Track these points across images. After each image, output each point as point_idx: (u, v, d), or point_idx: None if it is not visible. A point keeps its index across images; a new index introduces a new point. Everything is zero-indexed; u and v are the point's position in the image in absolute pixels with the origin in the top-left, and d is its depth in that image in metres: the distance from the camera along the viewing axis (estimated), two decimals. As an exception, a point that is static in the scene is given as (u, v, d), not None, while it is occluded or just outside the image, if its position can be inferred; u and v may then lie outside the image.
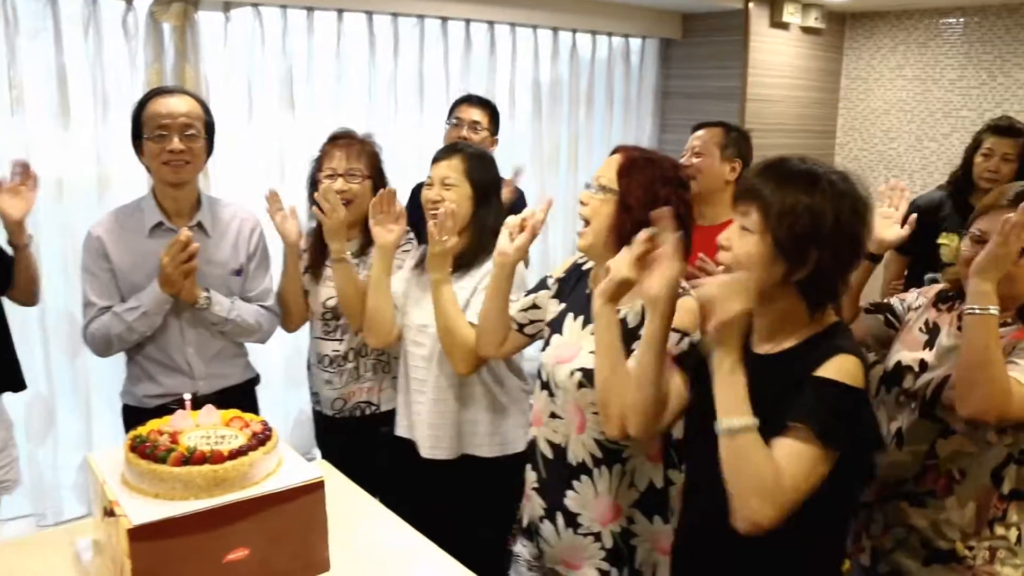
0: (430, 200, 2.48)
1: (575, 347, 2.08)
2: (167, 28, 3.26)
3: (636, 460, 2.04)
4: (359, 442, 2.76)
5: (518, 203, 3.43)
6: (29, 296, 2.62)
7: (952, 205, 3.60)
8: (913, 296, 2.19)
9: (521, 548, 2.26)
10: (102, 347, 2.55)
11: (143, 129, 2.47)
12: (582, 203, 2.05)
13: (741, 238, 1.64)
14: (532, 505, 2.20)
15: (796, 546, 1.62)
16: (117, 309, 2.50)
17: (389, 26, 3.82)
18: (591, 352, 1.98)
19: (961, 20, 4.78)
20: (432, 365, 2.49)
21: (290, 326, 2.86)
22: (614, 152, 2.08)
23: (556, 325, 2.18)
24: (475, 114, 3.46)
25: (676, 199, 1.98)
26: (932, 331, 2.07)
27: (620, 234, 1.98)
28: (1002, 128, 3.53)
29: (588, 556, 2.08)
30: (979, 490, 1.95)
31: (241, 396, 2.68)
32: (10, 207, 2.47)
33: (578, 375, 2.03)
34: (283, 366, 3.73)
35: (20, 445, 3.12)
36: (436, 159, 2.54)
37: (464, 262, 2.49)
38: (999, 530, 1.96)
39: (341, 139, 2.74)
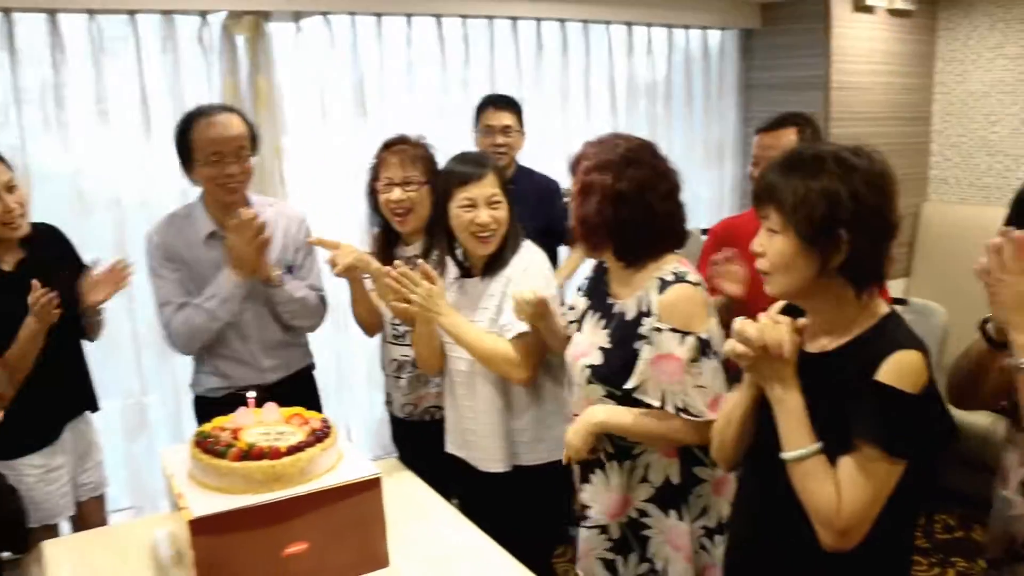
0: (478, 224, 2.34)
1: (589, 343, 2.10)
2: (240, 40, 3.35)
3: (649, 456, 2.06)
4: (432, 443, 2.77)
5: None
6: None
7: None
8: None
9: None
10: (186, 340, 2.66)
11: (193, 152, 2.56)
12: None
13: (770, 241, 1.60)
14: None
15: (855, 558, 1.57)
16: (196, 301, 2.60)
17: (459, 29, 3.85)
18: (600, 348, 2.05)
19: (1063, -6, 4.54)
20: (474, 379, 2.46)
21: (369, 333, 2.92)
22: None
23: (580, 322, 2.19)
24: (505, 118, 3.49)
25: (618, 181, 2.02)
26: None
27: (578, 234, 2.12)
28: None
29: (592, 547, 2.13)
30: None
31: (303, 383, 2.84)
32: (92, 293, 2.61)
33: (587, 372, 2.06)
34: (366, 367, 3.78)
35: (118, 445, 3.31)
36: (468, 179, 2.36)
37: (495, 266, 2.44)
38: None
39: (395, 146, 2.72)
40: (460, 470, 2.58)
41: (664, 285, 1.97)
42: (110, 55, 3.20)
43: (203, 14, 3.28)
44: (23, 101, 3.10)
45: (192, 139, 2.55)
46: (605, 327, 2.07)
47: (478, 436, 2.46)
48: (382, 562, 1.93)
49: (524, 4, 3.97)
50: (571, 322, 2.24)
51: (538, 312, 2.20)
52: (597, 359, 2.05)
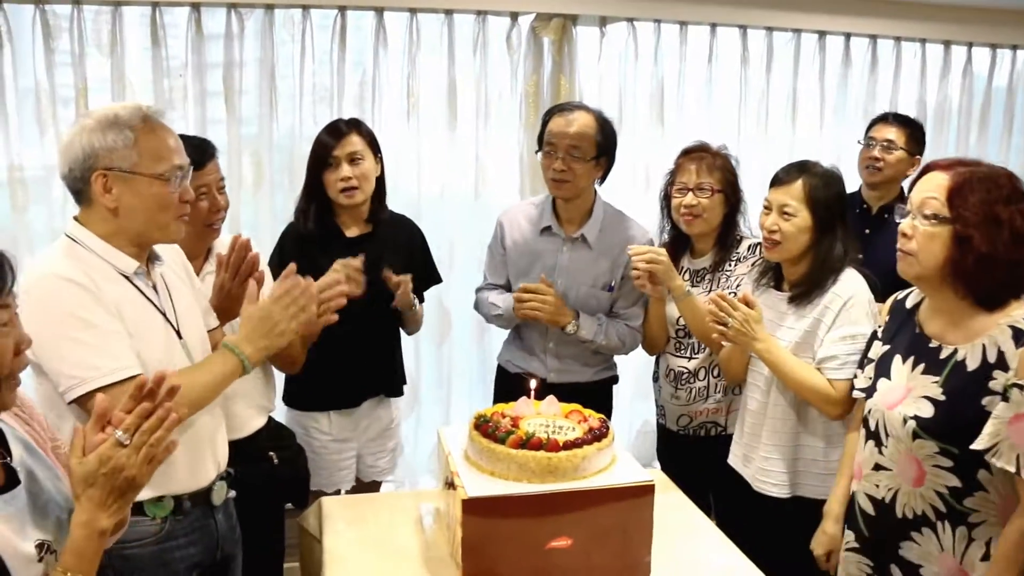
0: (764, 228, 2.37)
1: (903, 389, 1.89)
2: (547, 42, 3.46)
3: (990, 527, 1.79)
4: (699, 459, 2.71)
5: None
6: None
7: None
8: None
9: None
10: (479, 311, 2.94)
11: (542, 142, 2.66)
12: (904, 235, 1.84)
13: None
14: (848, 564, 2.01)
15: None
16: (490, 297, 2.81)
17: (763, 41, 3.74)
18: (924, 396, 1.82)
19: None
20: (769, 396, 2.38)
21: (653, 351, 2.91)
22: (927, 170, 1.86)
23: (882, 368, 1.98)
24: (889, 132, 3.25)
25: (1020, 217, 1.74)
26: None
27: (961, 270, 1.77)
28: None
29: None
30: None
31: (596, 392, 2.81)
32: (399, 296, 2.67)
33: (912, 424, 1.82)
34: (633, 376, 3.75)
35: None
36: (775, 181, 2.40)
37: (799, 293, 2.35)
38: None
39: (694, 152, 2.72)
40: (725, 490, 2.50)
41: (1018, 334, 1.74)
42: (425, 52, 3.40)
43: (514, 15, 3.42)
44: (344, 96, 3.36)
45: (545, 129, 2.67)
46: (927, 373, 1.85)
47: (762, 454, 2.39)
48: (643, 571, 1.89)
49: (834, 18, 3.79)
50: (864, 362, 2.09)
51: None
52: (925, 411, 1.81)
